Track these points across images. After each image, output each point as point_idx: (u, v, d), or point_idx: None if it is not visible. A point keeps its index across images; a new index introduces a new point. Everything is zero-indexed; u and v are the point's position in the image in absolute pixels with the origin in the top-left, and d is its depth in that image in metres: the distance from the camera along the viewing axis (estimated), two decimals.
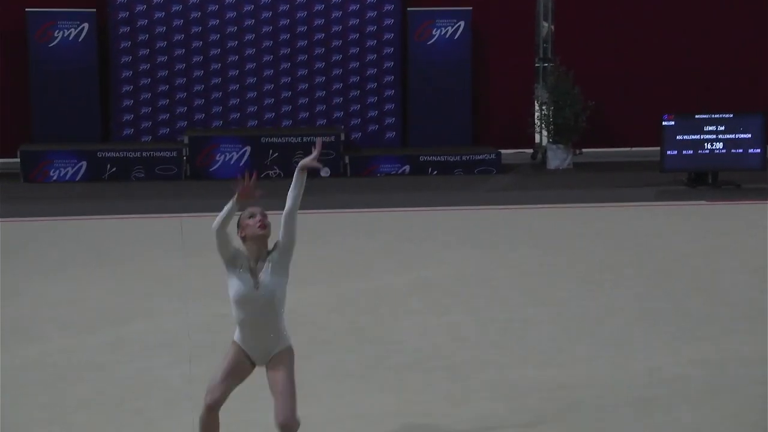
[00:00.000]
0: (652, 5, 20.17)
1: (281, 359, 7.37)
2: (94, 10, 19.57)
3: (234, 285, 7.42)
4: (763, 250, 14.11)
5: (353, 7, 19.89)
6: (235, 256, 7.48)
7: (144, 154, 19.13)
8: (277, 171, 19.04)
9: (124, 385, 9.46)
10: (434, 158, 19.39)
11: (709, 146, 18.08)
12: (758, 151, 18.08)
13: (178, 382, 9.52)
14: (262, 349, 7.42)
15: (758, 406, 8.90)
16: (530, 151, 20.74)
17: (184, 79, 19.83)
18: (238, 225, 7.56)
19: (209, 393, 7.42)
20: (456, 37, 19.96)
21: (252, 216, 7.57)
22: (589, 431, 8.41)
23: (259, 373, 7.44)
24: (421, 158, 19.40)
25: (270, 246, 7.52)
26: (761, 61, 20.28)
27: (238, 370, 7.46)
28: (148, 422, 8.63)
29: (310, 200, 17.36)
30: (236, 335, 7.51)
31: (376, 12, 19.96)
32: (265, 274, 7.40)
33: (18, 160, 18.93)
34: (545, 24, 20.64)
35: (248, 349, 7.45)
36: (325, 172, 19.08)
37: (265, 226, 7.52)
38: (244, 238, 7.53)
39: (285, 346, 7.42)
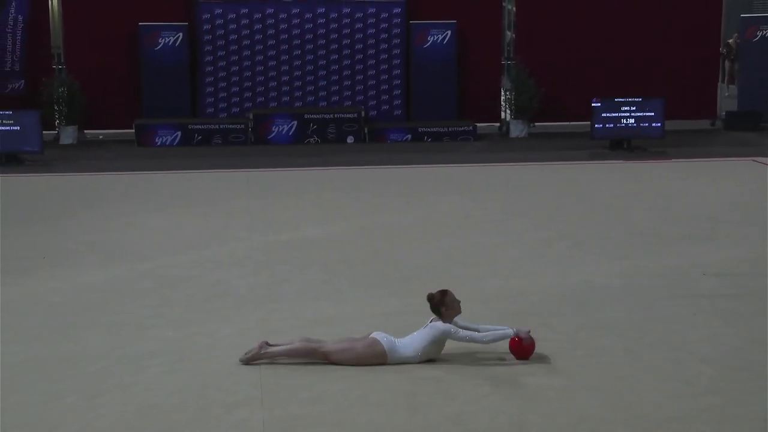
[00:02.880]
0: (587, 19, 19.95)
1: None
2: (187, 23, 19.49)
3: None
4: (663, 194, 14.02)
5: (371, 20, 19.82)
6: None
7: (221, 126, 19.03)
8: (316, 139, 18.96)
9: (206, 291, 9.43)
10: (429, 129, 19.26)
11: (625, 121, 17.94)
12: (659, 124, 17.97)
13: (245, 290, 9.47)
14: None
15: (659, 303, 8.85)
16: (498, 124, 20.59)
17: (250, 72, 19.72)
18: (445, 304, 7.48)
19: None
20: (445, 42, 19.79)
21: (456, 301, 7.54)
22: (541, 324, 8.35)
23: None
24: (420, 129, 19.27)
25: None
26: (661, 57, 20.08)
27: None
28: (223, 318, 8.60)
29: (341, 158, 17.45)
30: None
31: (387, 24, 19.84)
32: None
33: (133, 130, 18.87)
34: (509, 33, 20.43)
35: None
36: (350, 139, 18.96)
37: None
38: (449, 314, 7.49)
39: None
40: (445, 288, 7.63)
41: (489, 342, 7.45)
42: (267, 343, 7.44)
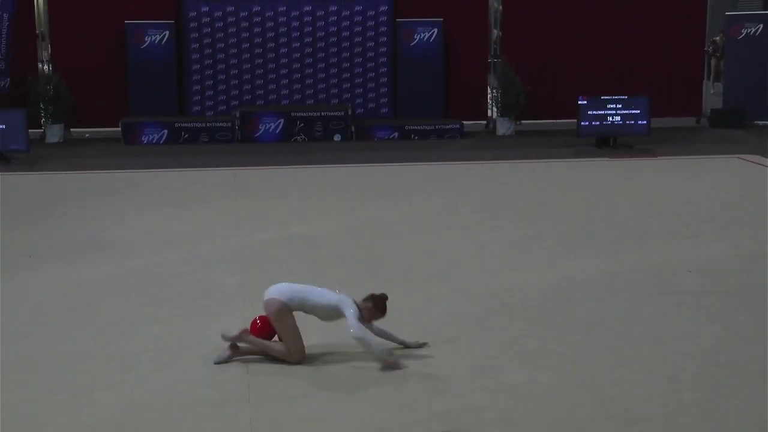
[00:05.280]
0: (573, 17, 20.03)
1: None
2: (173, 21, 19.46)
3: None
4: (648, 191, 14.10)
5: (358, 18, 19.81)
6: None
7: (208, 124, 19.04)
8: (303, 137, 18.98)
9: (194, 288, 9.47)
10: (416, 127, 19.30)
11: (611, 119, 18.00)
12: (645, 122, 18.03)
13: (234, 287, 9.52)
14: None
15: (643, 299, 8.93)
16: (484, 122, 20.64)
17: (237, 70, 19.71)
18: (376, 308, 7.49)
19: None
20: (431, 40, 19.83)
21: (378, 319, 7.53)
22: (526, 319, 8.43)
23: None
24: (407, 127, 19.30)
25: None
26: (647, 55, 20.18)
27: None
28: (213, 315, 8.65)
29: (328, 156, 17.48)
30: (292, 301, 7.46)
31: (374, 22, 19.86)
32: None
33: (120, 129, 18.86)
34: (495, 31, 20.48)
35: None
36: (337, 137, 18.99)
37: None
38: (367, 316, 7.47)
39: None
40: (385, 295, 7.58)
41: (357, 339, 7.31)
42: (236, 347, 7.51)
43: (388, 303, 7.54)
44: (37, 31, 19.29)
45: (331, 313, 7.40)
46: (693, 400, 6.79)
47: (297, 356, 7.37)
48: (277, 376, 7.20)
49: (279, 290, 7.44)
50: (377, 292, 7.63)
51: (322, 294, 7.45)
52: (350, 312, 7.28)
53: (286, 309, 7.35)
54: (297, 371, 7.28)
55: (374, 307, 7.46)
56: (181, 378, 7.17)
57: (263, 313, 7.51)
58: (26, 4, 19.16)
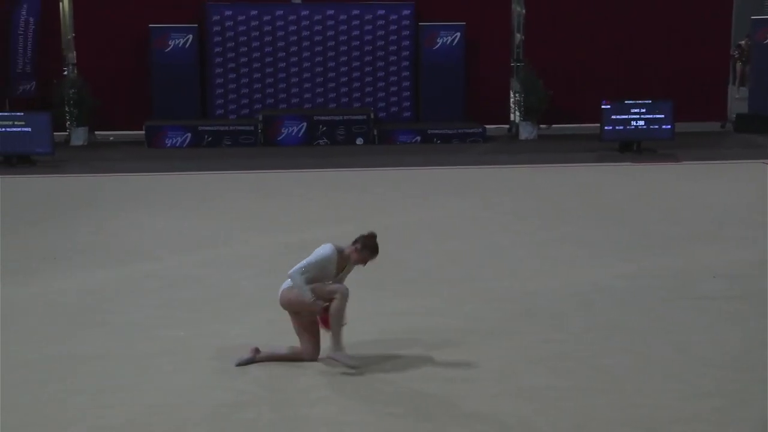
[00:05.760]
0: (596, 20, 19.97)
1: None
2: (197, 25, 19.57)
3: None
4: (671, 196, 14.03)
5: (381, 23, 19.86)
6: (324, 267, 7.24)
7: (231, 127, 19.11)
8: (325, 140, 19.02)
9: (214, 291, 9.48)
10: (438, 131, 19.30)
11: (635, 123, 17.94)
12: (669, 126, 17.98)
13: (253, 291, 9.52)
14: None
15: (665, 304, 8.87)
16: (507, 126, 20.61)
17: (260, 74, 19.79)
18: (363, 248, 7.29)
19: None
20: (454, 44, 19.82)
21: (369, 262, 7.34)
22: (547, 323, 8.39)
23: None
24: (429, 131, 19.31)
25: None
26: (672, 59, 20.09)
27: None
28: (232, 319, 8.65)
29: (350, 160, 17.48)
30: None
31: (396, 26, 19.89)
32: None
33: (143, 132, 18.96)
34: (518, 35, 20.45)
35: None
36: (359, 141, 19.01)
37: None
38: (350, 258, 7.31)
39: None
40: (372, 233, 7.41)
41: (296, 284, 7.14)
42: (257, 350, 7.48)
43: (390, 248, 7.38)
44: (62, 35, 19.40)
45: (319, 271, 7.22)
46: (714, 407, 6.72)
47: (309, 351, 7.34)
48: (296, 379, 7.18)
49: (287, 282, 7.40)
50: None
51: (308, 259, 7.27)
52: (305, 261, 7.15)
53: (294, 300, 7.27)
54: (315, 374, 7.26)
55: (363, 247, 7.31)
56: (198, 381, 7.16)
57: (285, 312, 7.47)
58: (52, 8, 19.29)
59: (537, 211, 13.11)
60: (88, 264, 10.50)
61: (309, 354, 7.40)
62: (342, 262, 7.37)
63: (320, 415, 6.60)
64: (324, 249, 7.29)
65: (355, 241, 7.38)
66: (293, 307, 7.32)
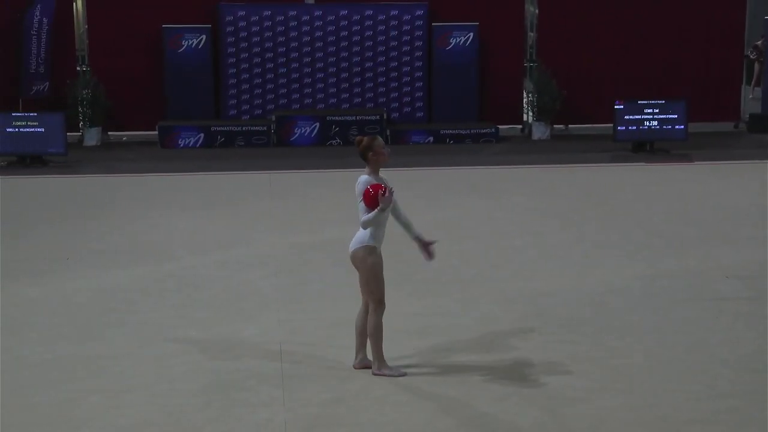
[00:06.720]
0: (609, 20, 19.94)
1: None
2: (210, 26, 19.61)
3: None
4: (685, 196, 14.01)
5: (394, 23, 19.86)
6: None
7: (243, 128, 19.14)
8: (338, 141, 19.03)
9: (229, 292, 9.51)
10: (451, 131, 19.30)
11: (648, 123, 17.91)
12: (682, 127, 17.93)
13: (268, 290, 9.55)
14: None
15: (679, 305, 8.86)
16: (520, 126, 20.59)
17: (273, 74, 19.81)
18: (372, 149, 7.22)
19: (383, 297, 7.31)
20: (467, 44, 19.82)
21: (385, 147, 7.30)
22: (561, 324, 8.40)
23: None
24: (442, 131, 19.31)
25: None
26: (685, 59, 20.06)
27: None
28: (248, 317, 8.68)
29: (362, 161, 17.43)
30: (373, 239, 7.39)
31: (410, 26, 19.89)
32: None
33: (156, 132, 19.01)
34: (531, 34, 20.42)
35: (379, 246, 7.44)
36: None
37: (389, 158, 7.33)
38: (375, 161, 7.27)
39: None
40: (374, 136, 7.40)
41: (368, 218, 7.26)
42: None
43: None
44: (75, 35, 19.47)
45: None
46: (729, 408, 6.72)
47: (377, 296, 7.32)
48: (312, 380, 7.21)
49: (356, 239, 7.40)
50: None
51: (360, 208, 7.34)
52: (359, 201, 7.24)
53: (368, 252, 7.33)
54: (326, 375, 7.28)
55: (369, 153, 7.24)
56: (215, 381, 7.20)
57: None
58: (65, 9, 19.36)
59: (551, 211, 13.10)
60: (103, 264, 10.55)
61: (378, 296, 7.39)
62: (381, 181, 7.34)
63: (333, 415, 6.62)
64: (361, 180, 7.29)
65: (364, 159, 7.32)
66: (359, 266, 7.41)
